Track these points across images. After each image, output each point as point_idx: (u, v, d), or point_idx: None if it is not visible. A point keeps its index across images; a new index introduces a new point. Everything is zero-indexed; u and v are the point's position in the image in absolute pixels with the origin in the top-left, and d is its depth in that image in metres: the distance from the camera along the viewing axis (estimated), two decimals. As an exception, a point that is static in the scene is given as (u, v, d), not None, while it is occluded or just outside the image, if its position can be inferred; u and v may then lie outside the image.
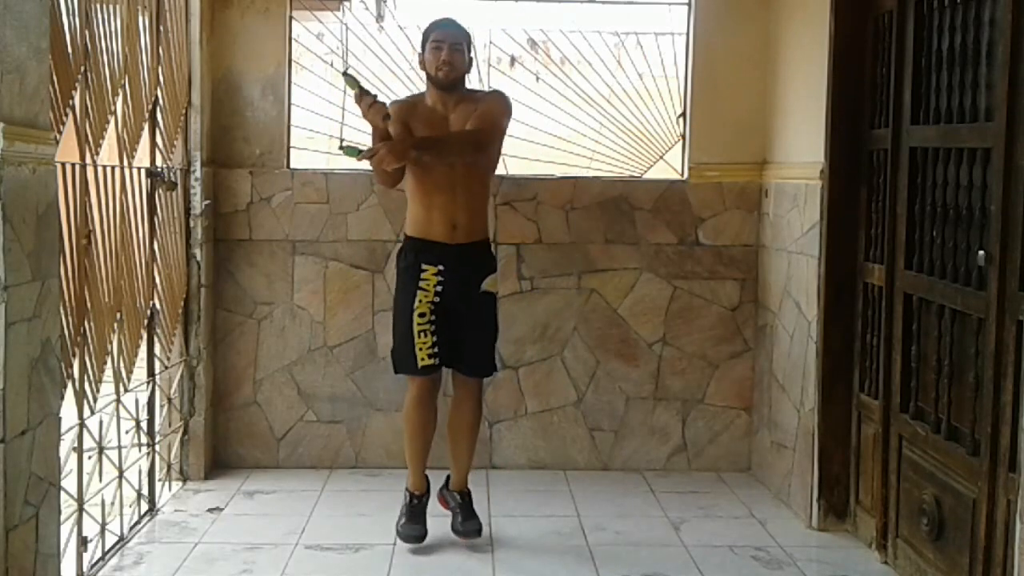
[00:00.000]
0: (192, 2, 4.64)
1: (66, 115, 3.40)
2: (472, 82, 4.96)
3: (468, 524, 4.09)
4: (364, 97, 3.87)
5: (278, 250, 4.98)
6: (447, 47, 3.93)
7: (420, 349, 3.97)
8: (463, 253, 3.98)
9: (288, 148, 5.02)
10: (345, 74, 4.04)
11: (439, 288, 3.97)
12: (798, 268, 4.51)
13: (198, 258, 4.73)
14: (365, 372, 5.02)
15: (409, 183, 4.04)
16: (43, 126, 2.90)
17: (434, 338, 3.97)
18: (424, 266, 3.97)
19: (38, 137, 2.83)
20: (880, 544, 3.97)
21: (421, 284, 3.97)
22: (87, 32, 3.57)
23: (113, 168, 3.88)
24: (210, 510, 4.44)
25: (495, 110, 4.00)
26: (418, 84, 5.01)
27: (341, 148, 4.04)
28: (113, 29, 3.83)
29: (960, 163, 3.46)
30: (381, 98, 3.97)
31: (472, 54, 4.08)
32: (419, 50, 4.06)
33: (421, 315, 3.97)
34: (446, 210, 3.95)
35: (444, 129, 3.98)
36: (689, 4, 5.04)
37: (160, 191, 4.37)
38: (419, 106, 4.06)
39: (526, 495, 4.73)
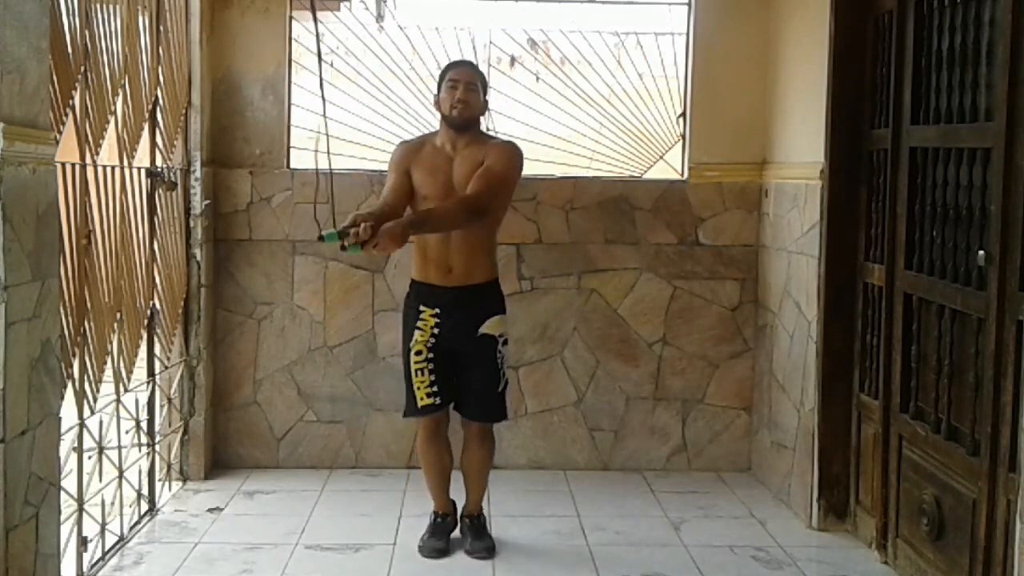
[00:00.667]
0: (192, 2, 4.64)
1: (66, 115, 3.40)
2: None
3: (477, 543, 4.06)
4: (348, 234, 3.43)
5: (278, 250, 4.98)
6: (463, 85, 3.89)
7: (419, 388, 3.95)
8: (459, 296, 3.92)
9: (288, 148, 5.02)
10: (320, 238, 3.49)
11: (436, 330, 3.93)
12: (798, 268, 4.51)
13: (198, 258, 4.73)
14: (365, 372, 5.02)
15: None
16: (43, 126, 2.90)
17: (432, 377, 3.94)
18: (422, 308, 3.95)
19: (38, 137, 2.83)
20: (880, 544, 3.97)
21: (419, 324, 3.94)
22: (87, 32, 3.57)
23: (113, 168, 3.88)
24: (210, 510, 4.44)
25: (502, 166, 3.86)
26: (418, 85, 5.03)
27: (321, 238, 3.48)
28: (113, 29, 3.83)
29: (960, 163, 3.46)
30: (362, 213, 3.59)
31: (487, 97, 4.02)
32: (435, 92, 4.00)
33: (418, 353, 3.95)
34: (441, 253, 3.89)
35: (447, 172, 3.89)
36: (689, 4, 5.04)
37: (160, 191, 4.37)
38: (426, 146, 3.97)
39: (526, 495, 4.73)
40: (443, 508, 4.15)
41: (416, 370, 3.94)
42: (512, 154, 3.94)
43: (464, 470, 4.14)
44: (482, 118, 4.02)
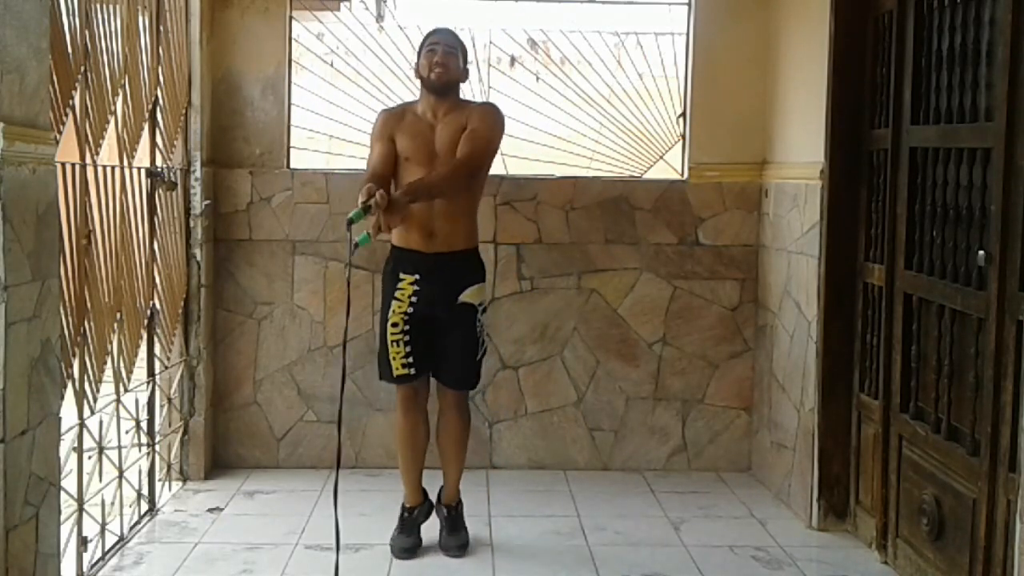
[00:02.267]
0: (192, 2, 4.64)
1: (66, 115, 3.40)
2: (472, 83, 4.99)
3: (449, 539, 4.06)
4: (371, 208, 3.48)
5: (278, 250, 4.98)
6: (441, 50, 3.93)
7: (394, 359, 3.95)
8: (440, 262, 3.92)
9: (288, 148, 5.02)
10: (349, 222, 3.47)
11: (414, 299, 3.93)
12: (798, 268, 4.51)
13: (198, 258, 4.73)
14: (365, 372, 5.02)
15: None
16: (43, 126, 2.90)
17: (407, 348, 3.94)
18: (401, 275, 3.94)
19: (38, 137, 2.83)
20: (880, 544, 3.97)
21: (396, 294, 3.94)
22: (87, 32, 3.57)
23: (113, 168, 3.88)
24: (210, 510, 4.44)
25: (487, 129, 3.89)
26: (419, 85, 5.01)
27: (350, 221, 3.46)
28: (113, 29, 3.83)
29: (960, 163, 3.46)
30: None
31: (467, 64, 4.05)
32: (415, 59, 4.04)
33: (394, 325, 3.94)
34: (424, 218, 3.88)
35: (429, 139, 3.91)
36: (689, 4, 5.04)
37: (160, 191, 4.37)
38: (407, 114, 3.99)
39: (526, 495, 4.73)
40: (414, 500, 4.13)
41: (392, 341, 3.94)
42: (494, 115, 3.98)
43: (440, 443, 4.14)
44: (461, 85, 4.04)
